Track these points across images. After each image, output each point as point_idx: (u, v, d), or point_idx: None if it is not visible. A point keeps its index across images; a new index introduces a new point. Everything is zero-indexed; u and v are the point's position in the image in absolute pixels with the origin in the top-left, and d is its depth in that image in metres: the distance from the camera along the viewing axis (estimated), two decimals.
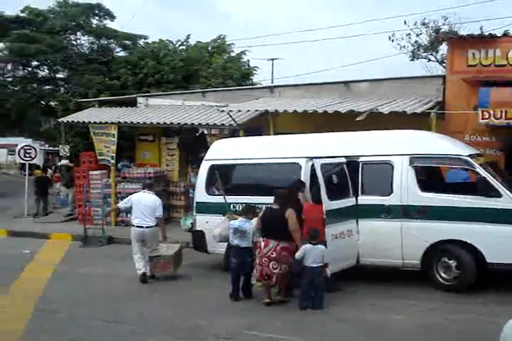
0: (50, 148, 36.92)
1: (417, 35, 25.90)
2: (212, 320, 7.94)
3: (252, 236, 8.95)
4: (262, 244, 8.67)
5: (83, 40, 36.14)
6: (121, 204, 11.25)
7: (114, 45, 35.93)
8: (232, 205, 10.49)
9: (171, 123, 16.02)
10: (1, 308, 8.69)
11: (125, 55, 34.14)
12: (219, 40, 34.46)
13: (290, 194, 9.16)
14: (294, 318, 8.03)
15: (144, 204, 10.46)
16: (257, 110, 14.37)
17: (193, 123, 15.73)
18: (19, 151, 19.54)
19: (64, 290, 9.82)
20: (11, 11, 35.51)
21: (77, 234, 15.09)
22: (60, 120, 19.33)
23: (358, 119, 11.93)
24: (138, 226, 10.45)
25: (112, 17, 36.03)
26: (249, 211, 9.33)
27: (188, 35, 34.11)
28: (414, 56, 26.73)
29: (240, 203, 10.29)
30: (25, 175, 21.58)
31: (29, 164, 20.14)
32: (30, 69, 36.09)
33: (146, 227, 10.41)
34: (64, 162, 19.82)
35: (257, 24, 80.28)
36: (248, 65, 33.40)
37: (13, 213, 19.64)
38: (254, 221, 9.09)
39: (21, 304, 8.97)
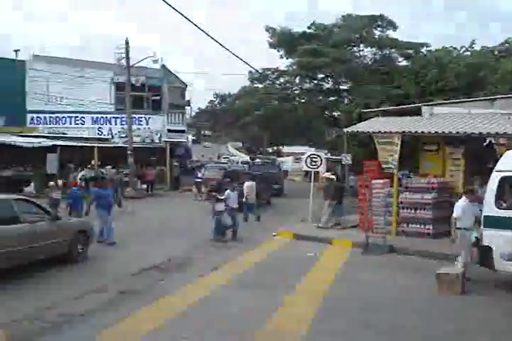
0: (333, 157, 38.38)
1: None
2: None
3: None
4: None
5: (366, 52, 36.89)
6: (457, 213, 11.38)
7: (396, 54, 36.02)
8: None
9: (457, 132, 15.50)
10: (287, 306, 9.25)
11: (407, 64, 34.02)
12: (507, 44, 32.48)
13: None
14: None
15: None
16: None
17: (480, 133, 15.01)
18: (306, 159, 20.51)
19: (345, 295, 10.08)
20: (299, 27, 37.95)
21: (358, 241, 15.33)
22: (344, 130, 19.92)
23: None
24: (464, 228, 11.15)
25: (395, 27, 36.18)
26: None
27: (473, 40, 32.82)
28: None
29: None
30: (309, 181, 22.66)
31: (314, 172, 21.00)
32: (316, 81, 37.86)
33: None
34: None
35: None
36: None
37: (299, 217, 20.76)
38: None
39: (305, 304, 9.42)
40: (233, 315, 8.55)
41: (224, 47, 14.77)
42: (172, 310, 8.77)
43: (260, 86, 41.01)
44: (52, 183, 18.96)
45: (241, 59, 16.51)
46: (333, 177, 20.09)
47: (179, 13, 10.54)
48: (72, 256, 12.30)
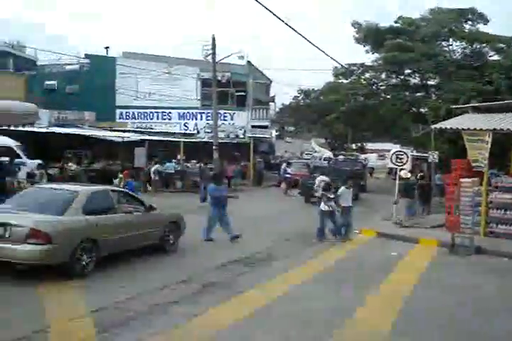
0: (418, 154, 37.50)
1: None
2: None
3: None
4: None
5: (455, 46, 35.83)
6: None
7: (486, 49, 34.79)
8: None
9: None
10: (369, 306, 9.14)
11: (498, 59, 32.83)
12: None
13: None
14: None
15: None
16: None
17: None
18: (391, 156, 20.12)
19: (430, 296, 9.86)
20: (386, 22, 37.43)
21: (444, 241, 14.94)
22: (432, 127, 19.42)
23: None
24: None
25: (486, 20, 34.95)
26: None
27: None
28: None
29: None
30: (393, 179, 22.20)
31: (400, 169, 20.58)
32: (402, 77, 37.11)
33: None
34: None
35: None
36: None
37: (382, 215, 20.46)
38: None
39: (388, 304, 9.27)
40: (312, 313, 8.51)
41: (309, 42, 14.71)
42: (251, 306, 8.81)
43: (345, 81, 40.58)
44: (120, 175, 20.51)
45: (327, 54, 16.38)
46: (409, 175, 19.70)
47: (266, 8, 10.57)
48: (163, 246, 12.76)
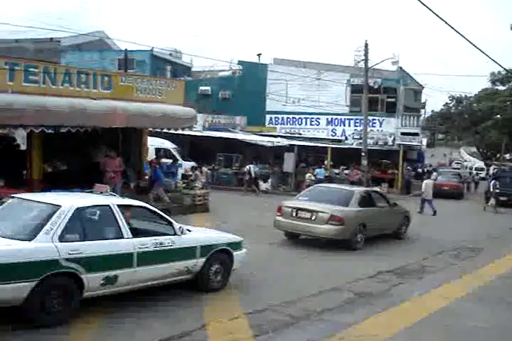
0: None
1: None
2: None
3: None
4: None
5: None
6: None
7: None
8: None
9: None
10: None
11: None
12: None
13: None
14: None
15: None
16: None
17: None
18: None
19: None
20: None
21: None
22: None
23: None
24: None
25: None
26: None
27: None
28: None
29: None
30: None
31: None
32: None
33: None
34: None
35: None
36: None
37: None
38: None
39: None
40: (471, 332, 8.16)
41: (474, 45, 14.14)
42: (407, 319, 8.59)
43: (502, 88, 38.51)
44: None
45: (492, 59, 15.65)
46: None
47: (429, 9, 10.23)
48: (398, 234, 16.43)
